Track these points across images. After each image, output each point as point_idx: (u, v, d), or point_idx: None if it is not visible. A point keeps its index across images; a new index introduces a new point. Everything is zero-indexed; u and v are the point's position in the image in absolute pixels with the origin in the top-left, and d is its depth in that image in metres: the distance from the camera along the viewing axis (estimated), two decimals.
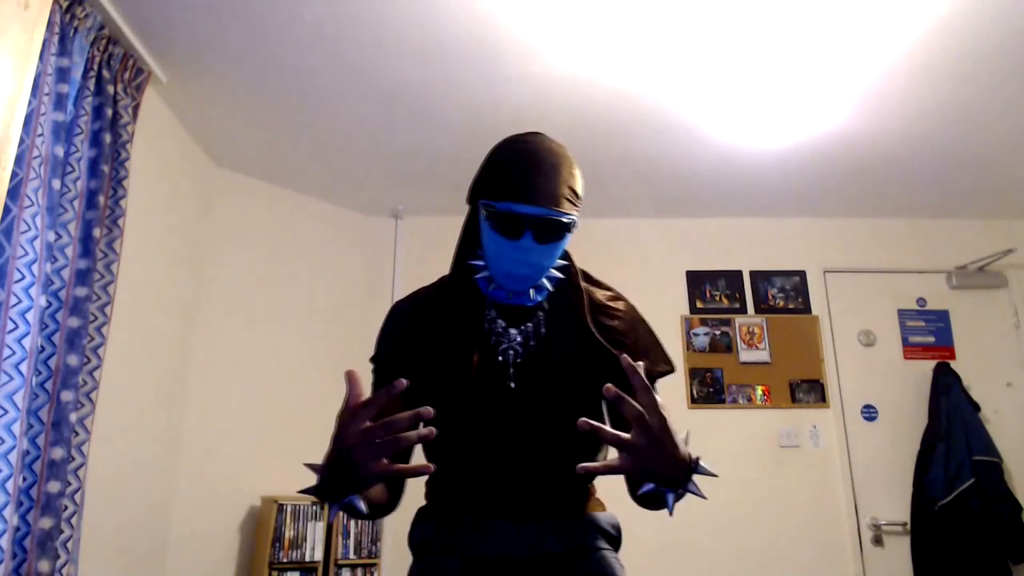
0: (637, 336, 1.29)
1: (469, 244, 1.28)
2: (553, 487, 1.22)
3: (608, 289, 1.35)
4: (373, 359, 1.32)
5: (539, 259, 1.19)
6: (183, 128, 3.10)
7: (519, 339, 1.24)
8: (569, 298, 1.28)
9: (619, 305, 1.31)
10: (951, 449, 3.33)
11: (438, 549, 1.22)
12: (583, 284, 1.30)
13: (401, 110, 2.92)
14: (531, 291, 1.25)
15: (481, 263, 1.26)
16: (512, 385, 1.20)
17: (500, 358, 1.22)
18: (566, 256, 1.30)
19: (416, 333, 1.27)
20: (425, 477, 1.30)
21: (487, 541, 1.19)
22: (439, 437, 1.24)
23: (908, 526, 3.40)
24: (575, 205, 1.19)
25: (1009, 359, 3.68)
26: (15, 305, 1.84)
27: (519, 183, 1.15)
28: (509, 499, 1.20)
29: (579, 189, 1.21)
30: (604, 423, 1.21)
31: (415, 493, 1.30)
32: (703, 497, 0.98)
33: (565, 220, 1.17)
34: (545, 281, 1.25)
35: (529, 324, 1.25)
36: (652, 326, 1.33)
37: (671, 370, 1.29)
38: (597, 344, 1.23)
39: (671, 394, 2.92)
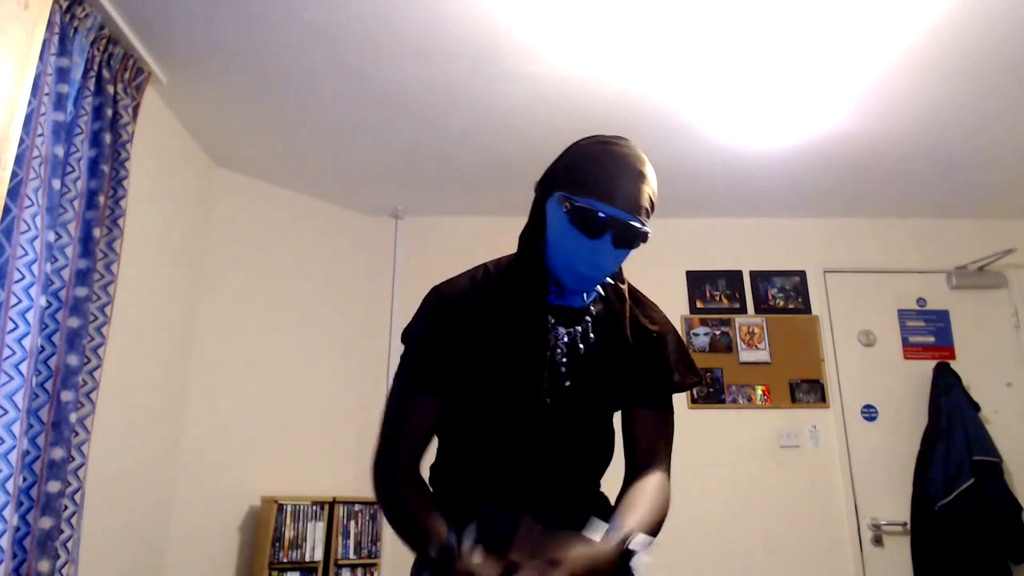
0: (669, 349, 1.30)
1: (535, 236, 1.22)
2: (570, 485, 1.25)
3: (646, 300, 1.36)
4: (408, 336, 1.26)
5: (609, 263, 1.17)
6: (183, 128, 3.10)
7: (566, 339, 1.23)
8: (614, 308, 1.28)
9: (655, 316, 1.33)
10: (951, 449, 3.33)
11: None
12: (627, 296, 1.30)
13: (401, 110, 2.92)
14: (583, 293, 1.24)
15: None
16: (567, 384, 1.21)
17: (547, 353, 1.22)
18: None
19: (467, 321, 1.22)
20: (431, 463, 1.31)
21: (499, 531, 1.21)
22: (466, 426, 1.24)
23: (908, 526, 3.40)
24: (648, 218, 1.17)
25: (1009, 359, 3.68)
26: (15, 305, 1.84)
27: (609, 183, 1.12)
28: (529, 494, 1.22)
29: (655, 203, 1.19)
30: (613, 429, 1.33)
31: None
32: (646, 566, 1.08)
33: (645, 230, 1.14)
34: (598, 286, 1.25)
35: (578, 327, 1.25)
36: None
37: (699, 381, 1.33)
38: (634, 357, 1.25)
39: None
